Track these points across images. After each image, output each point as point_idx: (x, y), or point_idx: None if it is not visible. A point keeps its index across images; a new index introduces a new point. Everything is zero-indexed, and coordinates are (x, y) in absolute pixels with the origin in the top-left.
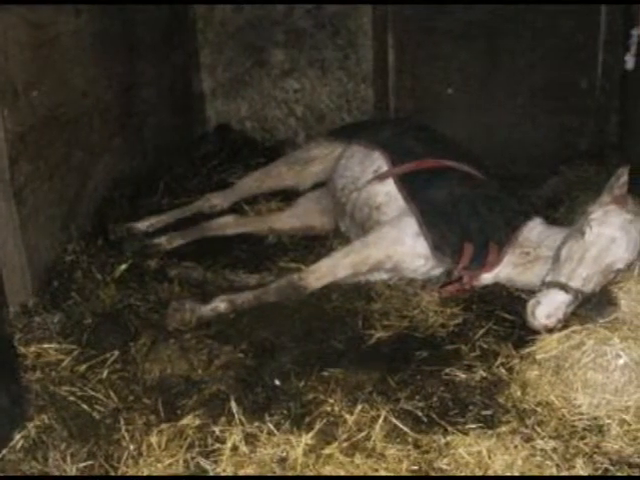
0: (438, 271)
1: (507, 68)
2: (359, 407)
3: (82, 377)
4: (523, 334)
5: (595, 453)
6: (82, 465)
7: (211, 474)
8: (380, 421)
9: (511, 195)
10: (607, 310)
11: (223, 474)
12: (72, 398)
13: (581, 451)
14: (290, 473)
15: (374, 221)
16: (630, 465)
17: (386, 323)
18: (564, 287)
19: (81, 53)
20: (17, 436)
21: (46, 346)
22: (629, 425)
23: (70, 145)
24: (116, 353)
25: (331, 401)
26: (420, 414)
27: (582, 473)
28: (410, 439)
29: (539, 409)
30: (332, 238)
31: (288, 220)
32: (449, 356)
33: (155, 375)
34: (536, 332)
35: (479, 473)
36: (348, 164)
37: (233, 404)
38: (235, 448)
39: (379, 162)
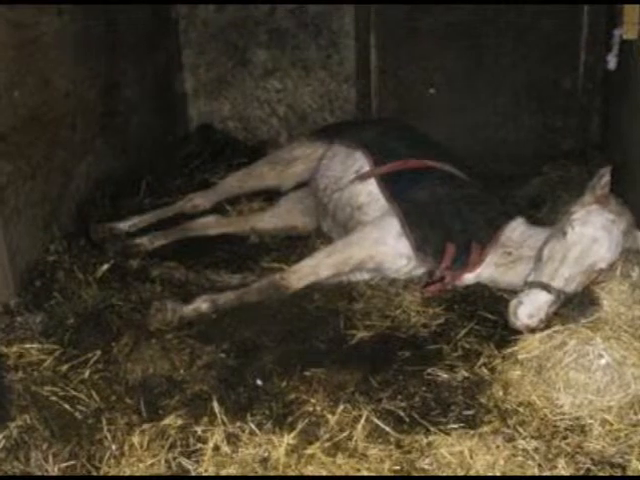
0: (420, 271)
1: (489, 68)
2: (341, 407)
3: (64, 377)
4: (505, 334)
5: (577, 453)
6: (64, 465)
7: (193, 474)
8: (362, 421)
9: (494, 195)
10: (589, 310)
11: (205, 474)
12: (54, 398)
13: (563, 451)
14: (272, 473)
15: (356, 221)
16: (612, 465)
17: (368, 323)
18: (546, 287)
19: (63, 53)
20: None
21: (28, 346)
22: (611, 425)
23: (52, 145)
24: (98, 353)
25: (313, 401)
26: (402, 414)
27: (564, 473)
28: (392, 439)
29: (521, 409)
30: (314, 238)
31: (270, 220)
32: (431, 356)
33: (137, 375)
34: (518, 332)
35: (461, 473)
36: (330, 164)
37: (215, 404)
38: (217, 448)
39: (361, 162)
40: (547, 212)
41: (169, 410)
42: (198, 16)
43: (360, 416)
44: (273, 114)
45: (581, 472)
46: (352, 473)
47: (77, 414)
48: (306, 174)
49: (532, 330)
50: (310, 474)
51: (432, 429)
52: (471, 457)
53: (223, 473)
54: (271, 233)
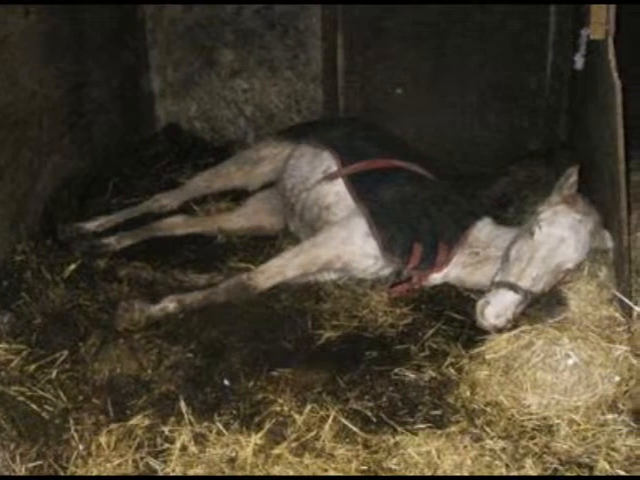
0: (387, 271)
1: (456, 68)
2: (308, 407)
3: (31, 377)
4: (472, 334)
5: (544, 453)
6: (31, 465)
7: (160, 474)
8: (329, 421)
9: (461, 195)
10: (556, 310)
11: (172, 474)
12: (21, 398)
13: (530, 451)
14: (239, 473)
15: (323, 221)
16: (579, 465)
17: (335, 323)
18: (513, 287)
19: (30, 53)
20: None
21: None
22: (578, 425)
23: (19, 145)
24: (65, 353)
25: (280, 401)
26: (369, 414)
27: (531, 473)
28: (359, 439)
29: (488, 409)
30: (282, 238)
31: (237, 220)
32: (398, 356)
33: (104, 375)
34: (485, 332)
35: (428, 473)
36: (297, 164)
37: (182, 404)
38: (184, 448)
39: (328, 162)
40: (514, 212)
41: (136, 410)
42: (165, 16)
43: (327, 416)
44: (240, 114)
45: (548, 472)
46: (319, 473)
47: (44, 414)
48: (273, 174)
49: (499, 330)
50: (277, 474)
51: (399, 429)
52: (438, 457)
53: (190, 473)
54: (238, 233)
